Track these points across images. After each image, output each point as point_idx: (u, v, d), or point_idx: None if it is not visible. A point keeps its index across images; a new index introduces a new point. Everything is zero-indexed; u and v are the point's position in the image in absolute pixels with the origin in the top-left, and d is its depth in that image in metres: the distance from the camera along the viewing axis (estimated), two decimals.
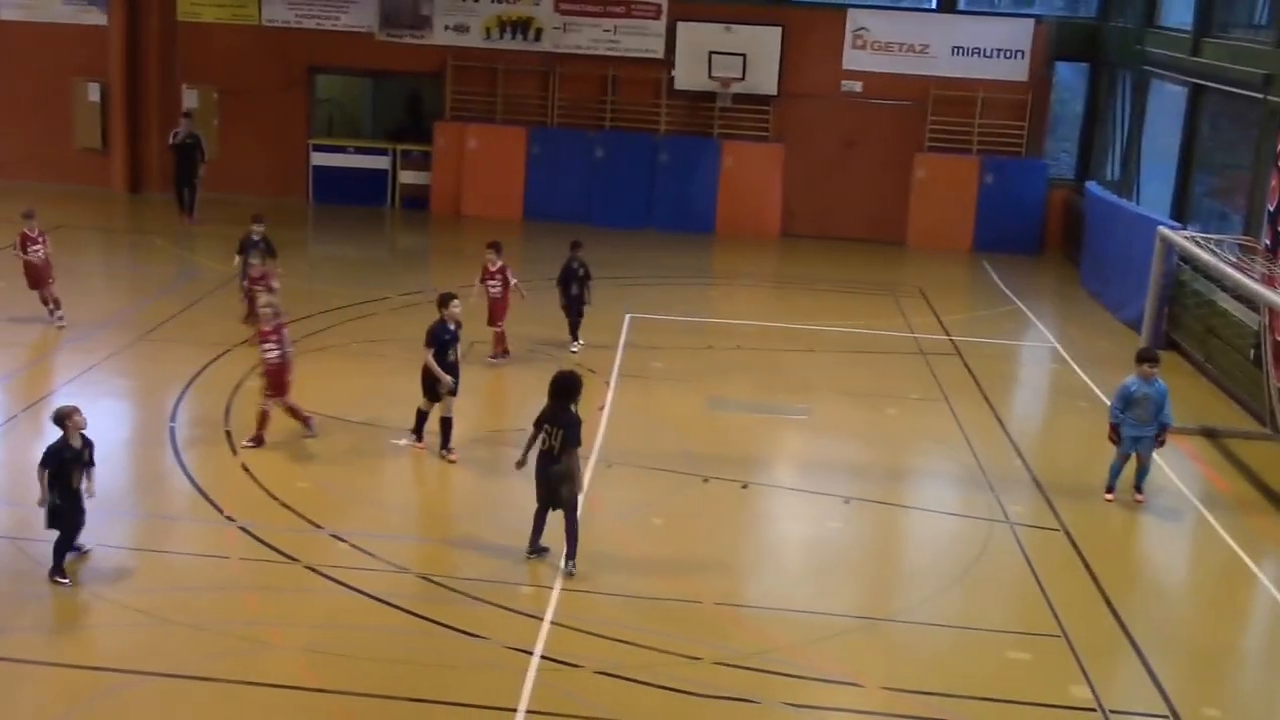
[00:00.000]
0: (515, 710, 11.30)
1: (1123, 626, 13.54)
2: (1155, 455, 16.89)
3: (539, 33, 33.20)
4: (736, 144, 33.09)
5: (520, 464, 14.08)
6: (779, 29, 32.54)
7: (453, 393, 16.79)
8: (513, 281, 21.02)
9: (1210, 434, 19.61)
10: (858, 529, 15.98)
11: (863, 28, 32.87)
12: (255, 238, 22.37)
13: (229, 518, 14.83)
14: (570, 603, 13.27)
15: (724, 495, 16.44)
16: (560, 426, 13.67)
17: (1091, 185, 29.91)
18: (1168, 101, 28.23)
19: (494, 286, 20.85)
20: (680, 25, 32.57)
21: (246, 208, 23.65)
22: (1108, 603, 14.04)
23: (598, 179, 33.11)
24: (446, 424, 16.92)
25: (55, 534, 13.15)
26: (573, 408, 13.83)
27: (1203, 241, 20.84)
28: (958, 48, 32.74)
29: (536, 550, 14.09)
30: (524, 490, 14.31)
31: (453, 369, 16.82)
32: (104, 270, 27.60)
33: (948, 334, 24.47)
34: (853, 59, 32.98)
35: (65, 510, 13.11)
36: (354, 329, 22.55)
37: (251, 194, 31.68)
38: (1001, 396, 21.47)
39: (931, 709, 11.77)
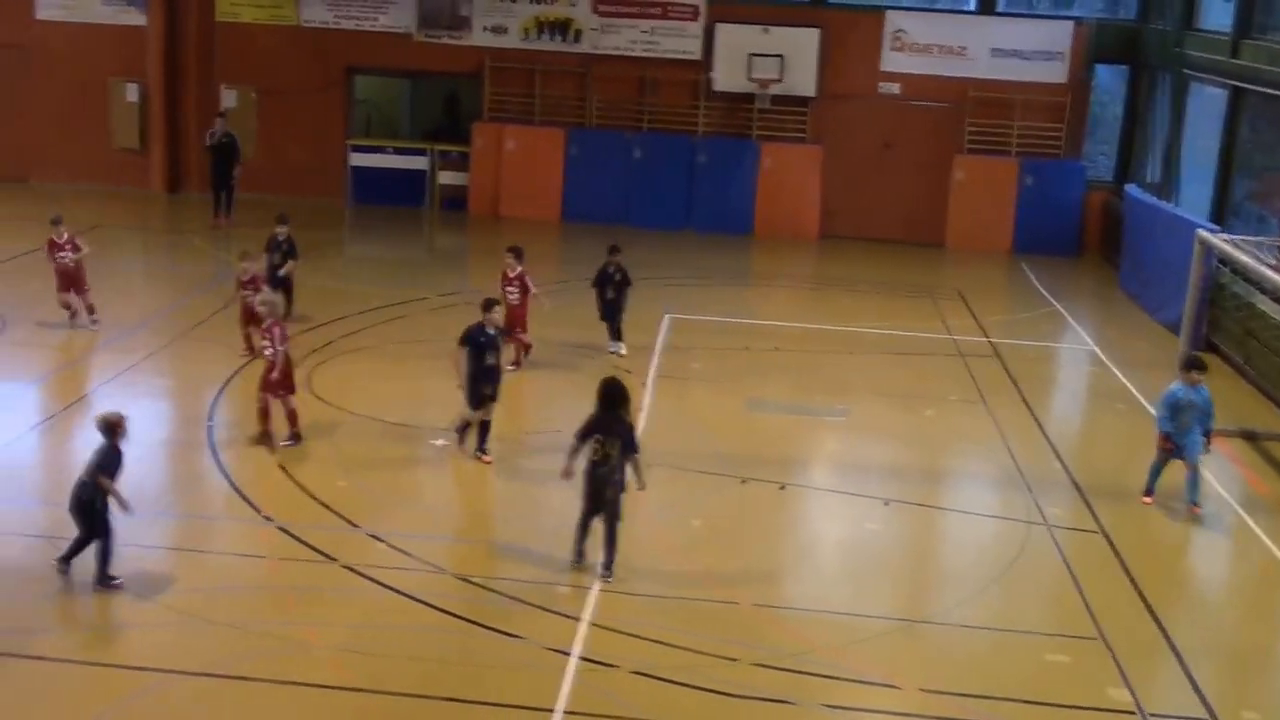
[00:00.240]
0: (553, 710, 11.29)
1: (1161, 629, 13.45)
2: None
3: (577, 34, 33.24)
4: (775, 145, 33.06)
5: (568, 474, 13.77)
6: (817, 31, 32.51)
7: (493, 397, 16.74)
8: (532, 290, 20.28)
9: (1250, 436, 19.51)
10: (896, 530, 15.94)
11: (901, 29, 32.81)
12: (280, 238, 22.15)
13: (266, 517, 14.89)
14: (608, 603, 13.26)
15: (762, 496, 16.42)
16: (616, 436, 13.52)
17: (1131, 188, 29.73)
18: (1207, 104, 28.09)
19: (512, 293, 20.02)
20: (719, 27, 32.60)
21: (285, 208, 23.68)
22: (1146, 605, 13.96)
23: (636, 180, 33.12)
24: (484, 427, 16.91)
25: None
26: (624, 415, 13.77)
27: (1242, 244, 20.73)
28: (997, 50, 32.64)
29: (580, 557, 13.93)
30: (559, 493, 14.35)
31: (492, 372, 16.76)
32: (142, 270, 27.74)
33: (986, 336, 24.37)
34: (891, 61, 32.94)
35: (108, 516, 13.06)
36: (391, 329, 22.58)
37: (290, 194, 31.71)
38: (1040, 398, 21.36)
39: (969, 711, 11.73)
